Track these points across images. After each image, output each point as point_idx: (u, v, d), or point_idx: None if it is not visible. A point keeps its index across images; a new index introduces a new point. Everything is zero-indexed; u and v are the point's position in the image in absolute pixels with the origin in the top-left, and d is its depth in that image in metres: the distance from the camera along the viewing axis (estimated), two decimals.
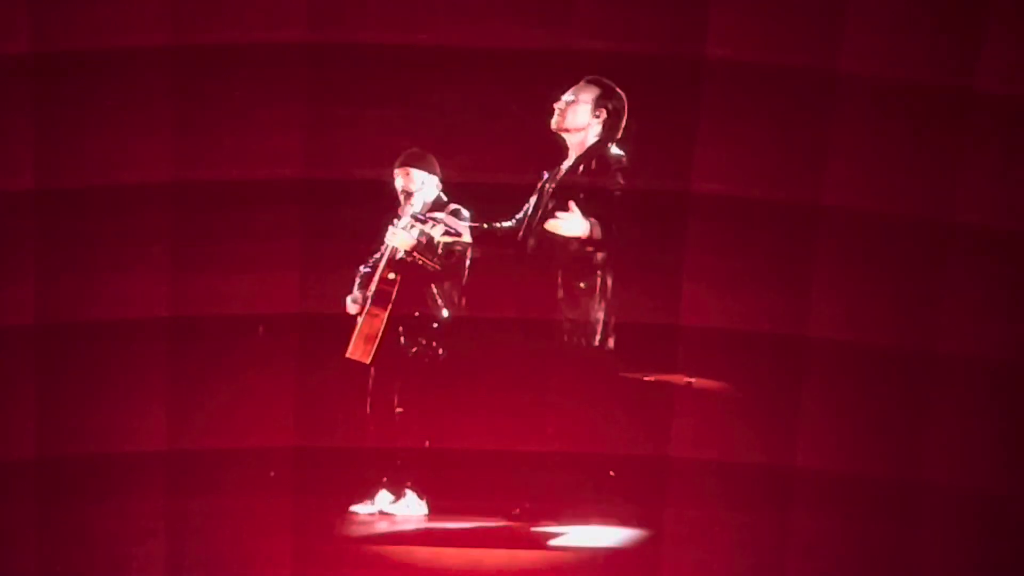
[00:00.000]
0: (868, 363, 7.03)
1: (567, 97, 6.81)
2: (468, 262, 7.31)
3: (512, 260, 6.84)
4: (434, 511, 7.30)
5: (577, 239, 6.54)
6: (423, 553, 6.79)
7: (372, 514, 7.26)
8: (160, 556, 6.99)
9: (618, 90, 6.85)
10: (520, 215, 6.89)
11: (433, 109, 7.19)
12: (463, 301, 7.32)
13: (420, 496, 7.27)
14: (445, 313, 7.28)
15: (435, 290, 7.27)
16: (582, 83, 6.86)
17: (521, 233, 6.82)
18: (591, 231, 6.49)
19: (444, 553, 6.68)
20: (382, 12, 7.06)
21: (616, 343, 6.77)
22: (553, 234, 6.54)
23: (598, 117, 6.81)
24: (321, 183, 7.10)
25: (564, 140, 6.87)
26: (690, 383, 7.02)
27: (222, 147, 7.03)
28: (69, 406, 7.01)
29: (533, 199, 6.88)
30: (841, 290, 7.00)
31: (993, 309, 6.99)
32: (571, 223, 6.46)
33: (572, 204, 6.47)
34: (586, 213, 6.47)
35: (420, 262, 7.19)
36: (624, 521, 6.93)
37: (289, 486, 7.09)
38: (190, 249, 7.05)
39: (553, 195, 6.76)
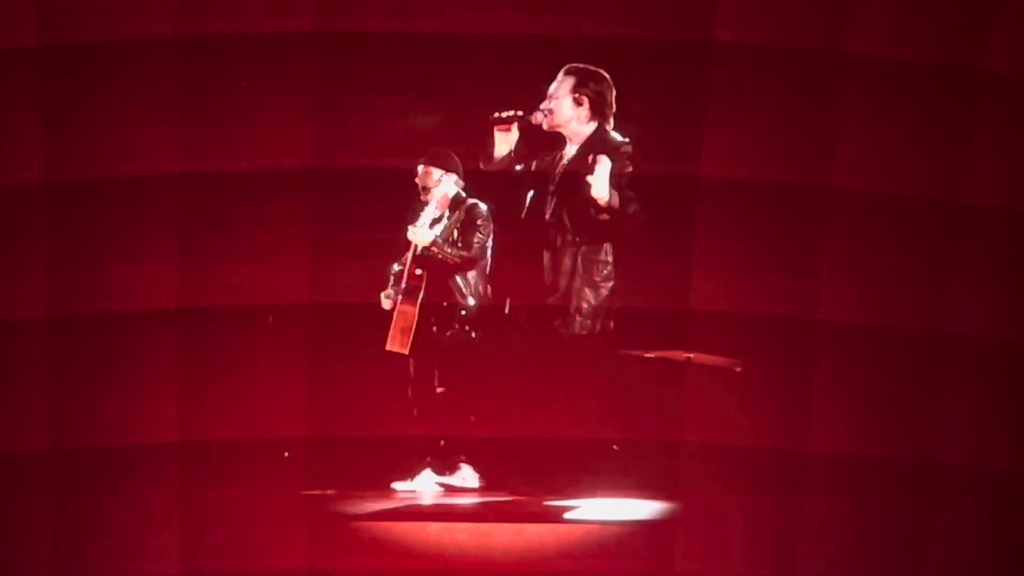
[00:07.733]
0: (879, 345, 7.03)
1: (550, 93, 6.85)
2: (490, 252, 7.41)
3: (523, 249, 6.90)
4: (448, 489, 7.34)
5: (595, 207, 6.63)
6: (434, 530, 6.86)
7: (413, 491, 7.32)
8: (175, 546, 7.02)
9: (595, 71, 6.87)
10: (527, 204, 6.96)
11: (440, 96, 7.18)
12: (488, 289, 7.42)
13: (475, 470, 7.32)
14: (471, 301, 7.39)
15: (459, 280, 7.41)
16: (559, 76, 6.88)
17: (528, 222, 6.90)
18: (611, 198, 6.62)
19: (454, 528, 6.75)
20: (388, 0, 7.05)
21: (628, 328, 6.83)
22: (567, 220, 6.69)
23: (581, 105, 6.84)
24: (329, 172, 7.11)
25: (562, 134, 6.92)
26: (690, 358, 7.03)
27: (230, 137, 7.02)
28: (81, 398, 7.02)
29: (531, 194, 6.97)
30: (852, 273, 7.00)
31: (1004, 290, 6.98)
32: (601, 174, 6.55)
33: (602, 158, 6.56)
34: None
35: (440, 256, 7.33)
36: (634, 498, 6.97)
37: (302, 475, 7.11)
38: (199, 239, 7.05)
39: (560, 183, 6.80)
